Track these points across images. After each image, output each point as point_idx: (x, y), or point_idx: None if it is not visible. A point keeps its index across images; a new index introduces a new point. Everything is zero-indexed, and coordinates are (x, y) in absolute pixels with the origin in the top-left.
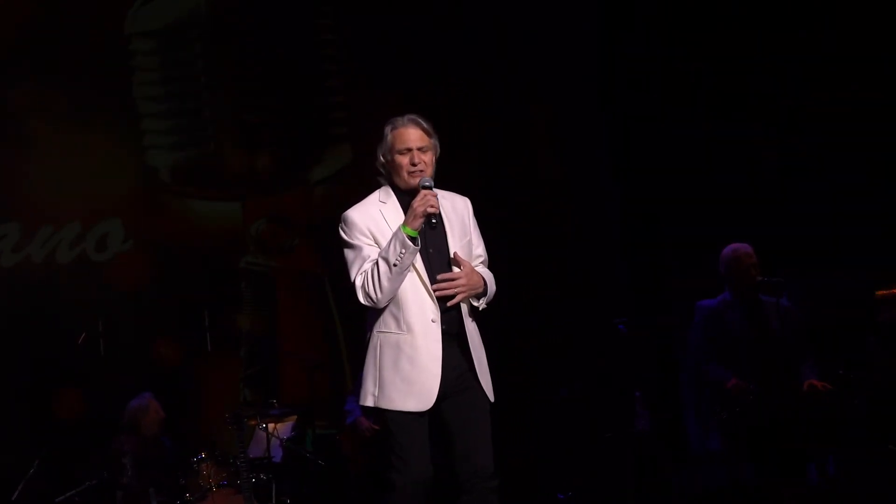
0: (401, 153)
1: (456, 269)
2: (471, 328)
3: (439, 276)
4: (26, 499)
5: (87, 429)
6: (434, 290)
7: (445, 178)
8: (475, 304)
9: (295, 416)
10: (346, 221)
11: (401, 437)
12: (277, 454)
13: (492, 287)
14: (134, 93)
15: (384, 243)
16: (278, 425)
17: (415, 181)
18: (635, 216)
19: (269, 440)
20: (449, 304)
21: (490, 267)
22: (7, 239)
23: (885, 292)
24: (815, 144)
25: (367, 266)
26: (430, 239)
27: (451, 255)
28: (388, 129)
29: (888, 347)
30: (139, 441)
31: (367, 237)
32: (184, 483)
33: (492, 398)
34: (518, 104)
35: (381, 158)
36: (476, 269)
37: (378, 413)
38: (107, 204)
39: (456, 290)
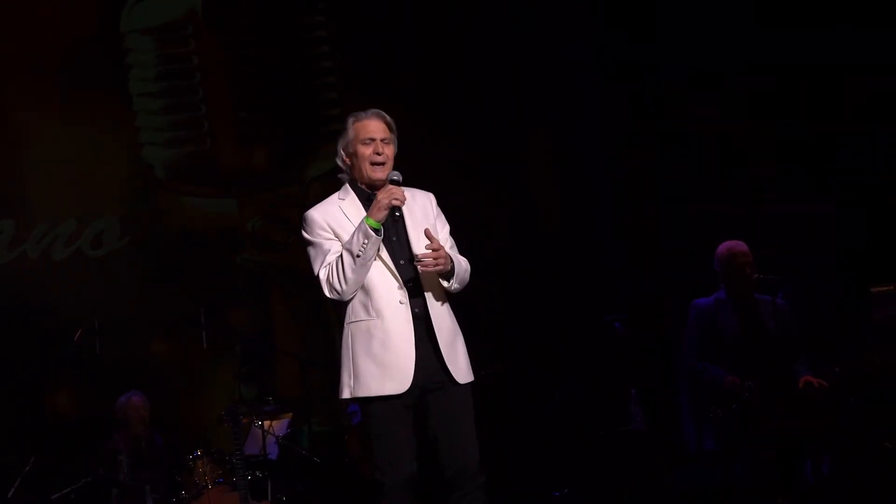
0: (364, 143)
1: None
2: (441, 311)
3: (420, 255)
4: (22, 496)
5: (82, 426)
6: (418, 264)
7: (441, 171)
8: (445, 284)
9: (291, 414)
10: (305, 220)
11: (384, 437)
12: (273, 451)
13: (460, 268)
14: (130, 89)
15: (345, 237)
16: (274, 422)
17: (377, 174)
18: (630, 213)
19: (264, 437)
20: (422, 269)
21: (483, 263)
22: (2, 236)
23: (880, 289)
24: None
25: (331, 258)
26: (392, 227)
27: (413, 244)
28: (350, 120)
29: (883, 344)
30: (134, 438)
31: (327, 231)
32: (179, 480)
33: (471, 377)
34: (510, 100)
35: (343, 152)
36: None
37: (362, 413)
38: (102, 201)
39: (438, 260)
